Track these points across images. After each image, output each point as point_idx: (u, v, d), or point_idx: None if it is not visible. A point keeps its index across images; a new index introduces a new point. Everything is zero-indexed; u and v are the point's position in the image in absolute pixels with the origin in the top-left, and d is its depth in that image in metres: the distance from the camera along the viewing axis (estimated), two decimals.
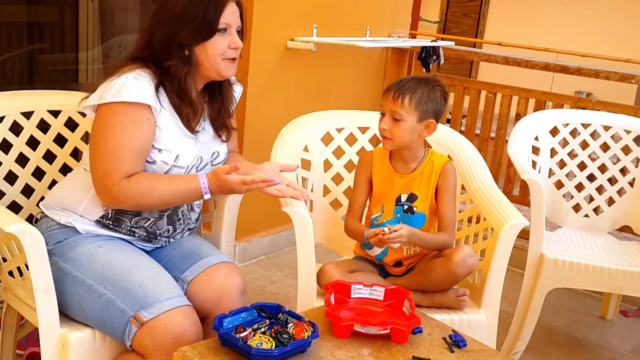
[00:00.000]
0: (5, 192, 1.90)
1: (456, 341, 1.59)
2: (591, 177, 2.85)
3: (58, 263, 1.67)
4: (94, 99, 1.66)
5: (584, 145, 2.85)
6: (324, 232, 2.28)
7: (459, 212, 2.18)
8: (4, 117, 1.89)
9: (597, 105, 3.35)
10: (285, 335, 1.46)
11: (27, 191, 1.95)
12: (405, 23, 3.87)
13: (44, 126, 1.97)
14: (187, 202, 1.79)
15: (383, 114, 1.93)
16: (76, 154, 2.03)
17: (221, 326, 1.47)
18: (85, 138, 2.03)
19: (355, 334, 1.56)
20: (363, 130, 2.37)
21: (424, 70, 3.80)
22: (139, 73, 1.65)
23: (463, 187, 2.20)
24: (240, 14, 1.76)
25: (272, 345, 1.43)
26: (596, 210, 2.87)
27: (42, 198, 1.89)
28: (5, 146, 1.90)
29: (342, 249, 2.27)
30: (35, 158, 1.96)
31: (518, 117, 3.52)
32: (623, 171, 2.82)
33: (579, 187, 2.84)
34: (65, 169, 1.98)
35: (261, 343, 1.43)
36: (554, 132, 2.81)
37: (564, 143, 2.82)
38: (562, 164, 2.83)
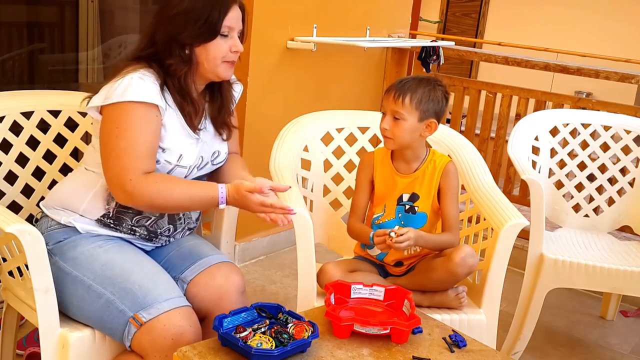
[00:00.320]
0: (5, 192, 1.90)
1: (456, 341, 1.59)
2: (591, 177, 2.85)
3: (58, 263, 1.67)
4: (99, 100, 1.66)
5: (584, 145, 2.85)
6: (324, 232, 2.28)
7: (459, 212, 2.18)
8: (4, 117, 1.89)
9: (597, 105, 3.35)
10: (285, 335, 1.46)
11: (27, 191, 1.95)
12: (405, 23, 3.87)
13: (44, 126, 1.97)
14: (199, 209, 1.78)
15: (384, 114, 1.93)
16: (76, 154, 2.03)
17: (221, 326, 1.47)
18: (85, 138, 2.03)
19: (355, 334, 1.56)
20: (363, 130, 2.37)
21: (424, 70, 3.80)
22: (143, 73, 1.66)
23: (463, 187, 2.20)
24: (243, 17, 1.76)
25: (272, 345, 1.43)
26: (596, 210, 2.87)
27: (42, 198, 1.89)
28: (5, 146, 1.90)
29: (342, 249, 2.27)
30: (35, 158, 1.96)
31: (518, 117, 3.52)
32: (623, 171, 2.82)
33: (579, 187, 2.84)
34: (65, 169, 1.98)
35: (261, 343, 1.43)
36: (554, 132, 2.81)
37: (564, 143, 2.82)
38: (562, 164, 2.83)
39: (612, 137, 2.81)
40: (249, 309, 1.56)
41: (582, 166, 2.84)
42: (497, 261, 1.94)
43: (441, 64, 3.86)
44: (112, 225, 1.74)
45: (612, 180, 2.87)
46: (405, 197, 1.98)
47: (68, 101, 2.01)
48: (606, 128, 2.83)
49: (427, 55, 3.77)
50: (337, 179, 2.31)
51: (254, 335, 1.46)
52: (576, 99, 3.56)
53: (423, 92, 1.90)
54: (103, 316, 1.61)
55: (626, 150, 2.81)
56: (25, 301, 1.73)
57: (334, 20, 3.30)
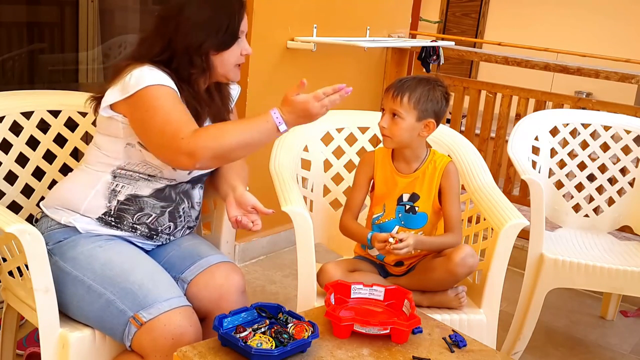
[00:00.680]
0: (5, 192, 1.90)
1: (456, 341, 1.59)
2: (591, 177, 2.85)
3: (58, 263, 1.67)
4: (116, 96, 1.66)
5: (584, 145, 2.85)
6: (324, 232, 2.28)
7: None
8: (4, 117, 1.89)
9: (597, 105, 3.35)
10: (285, 335, 1.46)
11: (27, 191, 1.95)
12: (405, 23, 3.87)
13: (44, 126, 1.97)
14: (264, 140, 1.67)
15: (383, 112, 1.94)
16: (76, 154, 2.03)
17: (221, 326, 1.47)
18: (85, 138, 2.03)
19: (355, 334, 1.56)
20: (363, 130, 2.37)
21: (424, 70, 3.80)
22: (149, 67, 1.66)
23: (463, 187, 2.20)
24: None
25: (272, 345, 1.43)
26: (596, 210, 2.87)
27: (42, 198, 1.89)
28: (5, 146, 1.90)
29: (342, 249, 2.27)
30: (35, 158, 1.96)
31: (518, 117, 3.52)
32: (623, 171, 2.82)
33: (579, 187, 2.84)
34: (65, 169, 1.98)
35: (261, 343, 1.43)
36: (554, 132, 2.81)
37: (564, 143, 2.82)
38: (562, 164, 2.83)
39: (612, 137, 2.81)
40: (249, 309, 1.56)
41: (582, 166, 2.83)
42: (497, 261, 1.94)
43: (441, 64, 3.86)
44: (113, 223, 1.74)
45: (612, 180, 2.87)
46: (406, 197, 1.98)
47: (68, 101, 2.01)
48: (606, 128, 2.82)
49: (427, 55, 3.77)
50: (337, 179, 2.31)
51: (254, 335, 1.46)
52: (576, 99, 3.56)
53: (422, 91, 1.90)
54: (103, 316, 1.61)
55: (626, 150, 2.81)
56: (25, 301, 1.73)
57: (334, 20, 3.30)
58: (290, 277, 3.10)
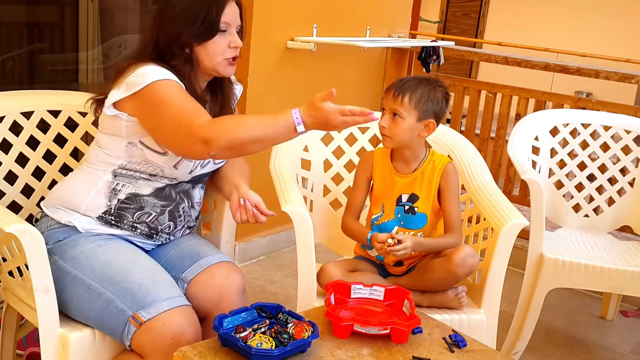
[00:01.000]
0: (5, 192, 1.90)
1: (456, 341, 1.59)
2: (591, 177, 2.85)
3: (58, 262, 1.67)
4: (120, 93, 1.66)
5: (584, 145, 2.85)
6: (324, 232, 2.28)
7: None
8: (4, 117, 1.89)
9: (597, 105, 3.35)
10: (285, 335, 1.46)
11: (27, 191, 1.95)
12: (405, 23, 3.87)
13: (44, 126, 1.97)
14: (280, 138, 1.66)
15: (384, 112, 1.94)
16: (76, 154, 2.03)
17: (221, 326, 1.47)
18: (85, 138, 2.03)
19: (355, 334, 1.56)
20: (363, 130, 2.37)
21: (424, 70, 3.80)
22: (152, 65, 1.67)
23: (463, 187, 2.20)
24: (240, 13, 1.77)
25: (272, 345, 1.43)
26: (596, 210, 2.87)
27: (42, 198, 1.89)
28: (5, 146, 1.90)
29: (342, 249, 2.27)
30: (35, 158, 1.96)
31: (518, 117, 3.52)
32: (623, 171, 2.82)
33: (579, 187, 2.84)
34: (65, 169, 1.98)
35: (261, 343, 1.43)
36: (554, 132, 2.81)
37: (564, 143, 2.82)
38: (562, 164, 2.83)
39: (612, 137, 2.81)
40: (249, 309, 1.56)
41: (582, 166, 2.83)
42: (497, 261, 1.94)
43: (441, 64, 3.86)
44: (113, 222, 1.74)
45: (612, 180, 2.87)
46: (405, 198, 1.98)
47: (68, 101, 2.01)
48: (606, 128, 2.82)
49: (427, 55, 3.77)
50: (337, 179, 2.32)
51: (254, 335, 1.46)
52: (576, 99, 3.56)
53: (423, 91, 1.90)
54: (102, 315, 1.61)
55: (626, 150, 2.81)
56: (25, 301, 1.73)
57: (334, 20, 3.30)
58: (290, 277, 3.10)
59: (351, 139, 2.35)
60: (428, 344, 1.57)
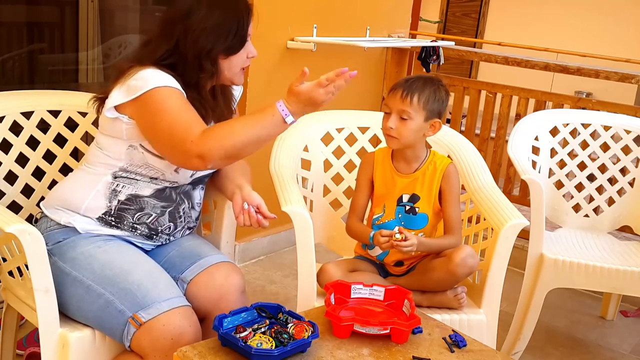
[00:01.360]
0: (5, 192, 1.90)
1: (456, 341, 1.59)
2: (591, 177, 2.85)
3: (57, 263, 1.67)
4: (120, 98, 1.65)
5: (584, 145, 2.85)
6: (324, 232, 2.28)
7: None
8: (4, 117, 1.89)
9: (597, 105, 3.35)
10: (285, 335, 1.46)
11: (27, 191, 1.95)
12: (405, 23, 3.87)
13: (44, 126, 1.97)
14: (272, 134, 1.67)
15: (387, 113, 1.93)
16: (76, 154, 2.03)
17: (221, 326, 1.47)
18: (85, 138, 2.03)
19: (355, 334, 1.56)
20: (363, 130, 2.37)
21: (424, 70, 3.80)
22: (154, 70, 1.66)
23: (463, 187, 2.20)
24: None
25: (272, 345, 1.43)
26: (596, 210, 2.87)
27: (42, 198, 1.89)
28: (5, 146, 1.90)
29: (342, 249, 2.27)
30: (35, 158, 1.96)
31: (518, 117, 3.52)
32: (623, 171, 2.82)
33: (579, 187, 2.84)
34: (65, 169, 1.98)
35: (261, 343, 1.43)
36: (554, 132, 2.81)
37: (564, 143, 2.82)
38: (562, 164, 2.83)
39: (612, 137, 2.81)
40: (249, 309, 1.56)
41: (582, 166, 2.83)
42: (497, 261, 1.94)
43: (441, 64, 3.86)
44: (113, 223, 1.74)
45: (612, 180, 2.87)
46: (405, 198, 1.98)
47: (68, 101, 2.01)
48: (606, 128, 2.82)
49: (427, 55, 3.77)
50: (337, 179, 2.31)
51: (254, 335, 1.46)
52: (576, 99, 3.56)
53: (429, 91, 1.90)
54: (102, 316, 1.61)
55: (626, 150, 2.81)
56: (25, 301, 1.73)
57: (334, 20, 3.30)
58: (290, 277, 3.10)
59: (351, 139, 2.35)
60: (428, 344, 1.57)
